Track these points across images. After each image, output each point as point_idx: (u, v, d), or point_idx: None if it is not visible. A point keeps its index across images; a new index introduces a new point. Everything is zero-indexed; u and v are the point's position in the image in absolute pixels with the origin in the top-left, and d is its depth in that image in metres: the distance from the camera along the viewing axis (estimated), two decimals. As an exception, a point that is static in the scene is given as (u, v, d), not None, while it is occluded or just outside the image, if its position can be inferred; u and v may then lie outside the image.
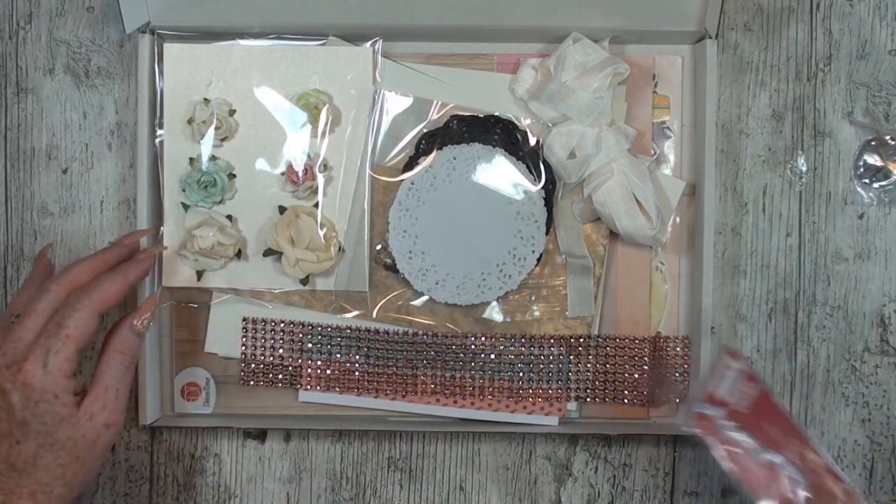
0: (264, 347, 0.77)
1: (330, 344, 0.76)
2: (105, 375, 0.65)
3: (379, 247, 0.76)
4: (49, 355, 0.62)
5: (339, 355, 0.76)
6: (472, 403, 0.77)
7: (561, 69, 0.73)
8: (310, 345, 0.77)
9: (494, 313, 0.76)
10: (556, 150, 0.74)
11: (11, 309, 0.67)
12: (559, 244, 0.76)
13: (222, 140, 0.75)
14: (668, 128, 0.77)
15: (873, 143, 0.74)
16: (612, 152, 0.73)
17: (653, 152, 0.77)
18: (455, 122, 0.76)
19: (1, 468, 0.61)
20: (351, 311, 0.76)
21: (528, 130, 0.76)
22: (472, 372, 0.76)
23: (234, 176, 0.75)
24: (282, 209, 0.75)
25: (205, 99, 0.75)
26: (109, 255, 0.69)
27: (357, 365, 0.76)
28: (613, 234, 0.76)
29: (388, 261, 0.76)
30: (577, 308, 0.76)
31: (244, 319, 0.76)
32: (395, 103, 0.76)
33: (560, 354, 0.76)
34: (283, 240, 0.74)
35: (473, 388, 0.76)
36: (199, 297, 0.77)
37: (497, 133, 0.75)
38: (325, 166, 0.75)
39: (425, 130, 0.76)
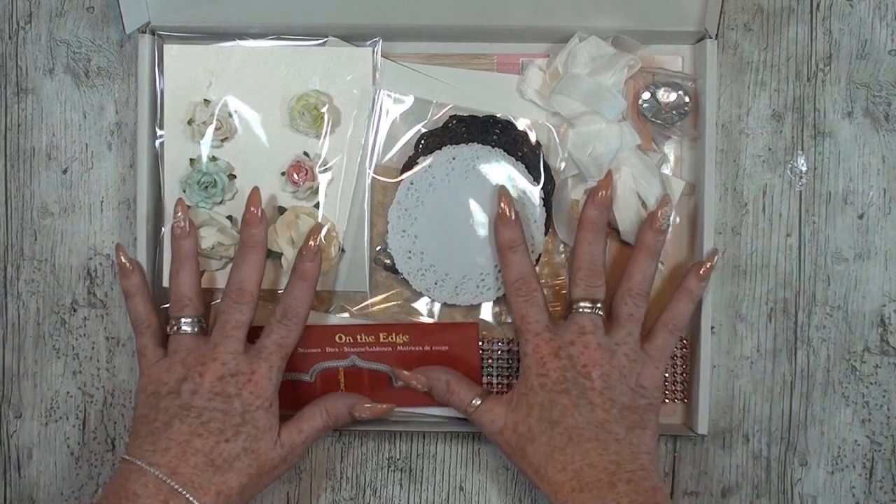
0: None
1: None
2: (306, 421, 0.71)
3: (379, 248, 0.76)
4: (273, 370, 0.69)
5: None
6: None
7: (572, 65, 0.73)
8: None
9: (493, 314, 0.76)
10: (578, 147, 0.74)
11: (139, 322, 0.72)
12: (557, 232, 0.76)
13: (222, 141, 0.75)
14: (668, 128, 0.77)
15: None
16: (630, 144, 0.74)
17: (654, 153, 0.77)
18: (454, 122, 0.76)
19: (201, 462, 0.67)
20: (351, 312, 0.76)
21: (527, 131, 0.76)
22: (472, 372, 0.77)
23: (235, 176, 0.75)
24: (282, 210, 0.75)
25: (205, 100, 0.75)
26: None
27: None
28: (613, 236, 0.76)
29: (388, 261, 0.76)
30: None
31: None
32: (395, 103, 0.76)
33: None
34: (283, 240, 0.74)
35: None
36: (200, 297, 0.77)
37: (496, 133, 0.75)
38: (326, 167, 0.75)
39: (425, 130, 0.76)
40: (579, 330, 0.69)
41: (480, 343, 0.76)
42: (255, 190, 0.72)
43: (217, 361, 0.69)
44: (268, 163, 0.76)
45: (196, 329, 0.71)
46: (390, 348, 0.75)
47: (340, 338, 0.75)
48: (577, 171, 0.75)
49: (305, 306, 0.71)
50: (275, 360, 0.69)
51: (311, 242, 0.71)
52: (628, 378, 0.69)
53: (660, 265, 0.77)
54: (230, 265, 0.75)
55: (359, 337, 0.75)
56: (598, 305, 0.70)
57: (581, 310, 0.70)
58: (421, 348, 0.75)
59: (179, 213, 0.72)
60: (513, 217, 0.71)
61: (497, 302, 0.76)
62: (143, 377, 0.71)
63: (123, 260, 0.73)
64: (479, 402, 0.71)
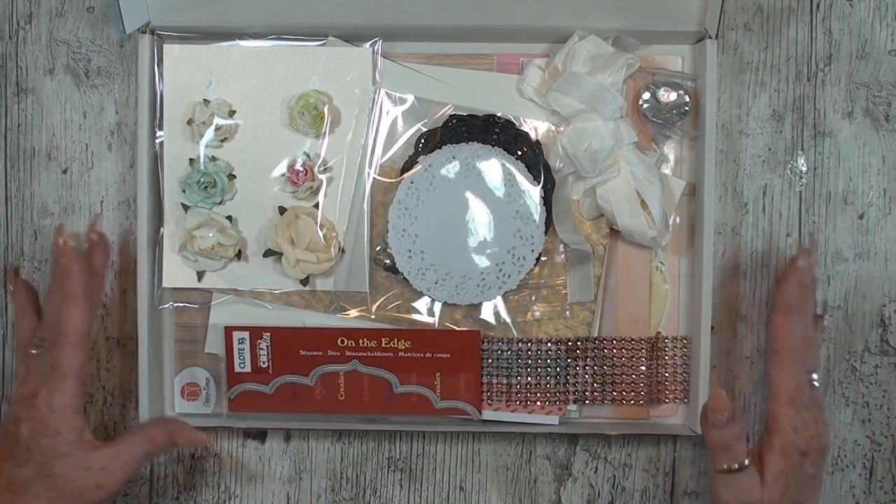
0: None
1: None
2: (125, 445, 0.68)
3: (378, 248, 0.76)
4: (53, 394, 0.67)
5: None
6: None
7: (571, 64, 0.73)
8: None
9: (494, 313, 0.76)
10: (573, 143, 0.74)
11: (21, 341, 0.71)
12: (557, 232, 0.76)
13: (222, 141, 0.75)
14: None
15: None
16: (626, 141, 0.73)
17: (653, 152, 0.77)
18: (454, 121, 0.76)
19: (2, 486, 0.66)
20: (351, 312, 0.76)
21: (527, 130, 0.76)
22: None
23: (234, 177, 0.75)
24: (282, 210, 0.75)
25: (204, 100, 0.75)
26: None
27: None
28: (613, 235, 0.76)
29: (388, 261, 0.76)
30: (578, 294, 0.76)
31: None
32: (395, 103, 0.76)
33: (560, 355, 0.76)
34: (283, 240, 0.74)
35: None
36: (200, 297, 0.77)
37: (496, 132, 0.75)
38: (325, 166, 0.75)
39: (425, 130, 0.76)
40: (819, 407, 0.69)
41: (481, 343, 0.76)
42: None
43: (22, 384, 0.68)
44: (267, 163, 0.76)
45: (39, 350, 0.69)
46: (392, 354, 0.75)
47: (342, 341, 0.75)
48: (574, 167, 0.75)
49: (72, 322, 0.68)
50: (56, 385, 0.67)
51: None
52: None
53: (660, 266, 0.77)
54: (230, 265, 0.76)
55: (361, 341, 0.75)
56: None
57: (816, 383, 0.70)
58: (423, 354, 0.75)
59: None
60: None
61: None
62: None
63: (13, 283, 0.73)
64: (747, 465, 0.68)
